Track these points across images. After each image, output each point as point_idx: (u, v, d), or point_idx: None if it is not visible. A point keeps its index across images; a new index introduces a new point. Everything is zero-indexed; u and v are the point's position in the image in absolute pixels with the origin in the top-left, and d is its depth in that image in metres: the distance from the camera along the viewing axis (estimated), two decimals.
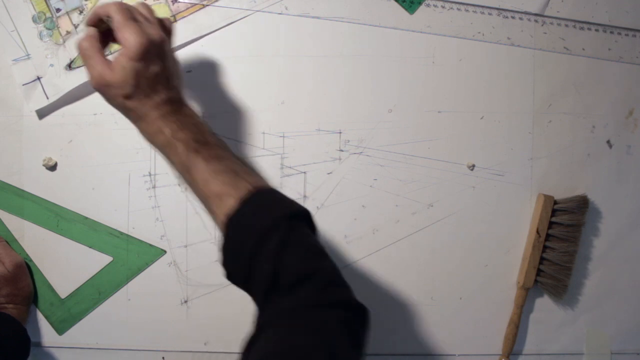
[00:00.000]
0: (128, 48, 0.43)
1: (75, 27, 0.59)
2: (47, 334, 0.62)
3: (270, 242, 0.40)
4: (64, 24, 0.60)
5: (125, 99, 0.46)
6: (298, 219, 0.42)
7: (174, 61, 0.48)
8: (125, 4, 0.45)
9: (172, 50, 0.48)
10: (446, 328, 0.62)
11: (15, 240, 0.61)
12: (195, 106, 0.61)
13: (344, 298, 0.39)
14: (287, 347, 0.35)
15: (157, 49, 0.45)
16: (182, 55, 0.61)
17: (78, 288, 0.61)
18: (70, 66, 0.59)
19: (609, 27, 0.61)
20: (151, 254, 0.61)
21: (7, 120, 0.61)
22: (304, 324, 0.37)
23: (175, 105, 0.46)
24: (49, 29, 0.59)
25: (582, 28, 0.61)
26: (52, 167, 0.61)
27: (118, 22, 0.44)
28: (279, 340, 0.36)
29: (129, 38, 0.43)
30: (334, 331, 0.36)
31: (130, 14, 0.45)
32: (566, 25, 0.61)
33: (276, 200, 0.44)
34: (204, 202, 0.45)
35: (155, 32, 0.45)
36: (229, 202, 0.42)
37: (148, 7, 0.47)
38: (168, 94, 0.46)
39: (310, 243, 0.41)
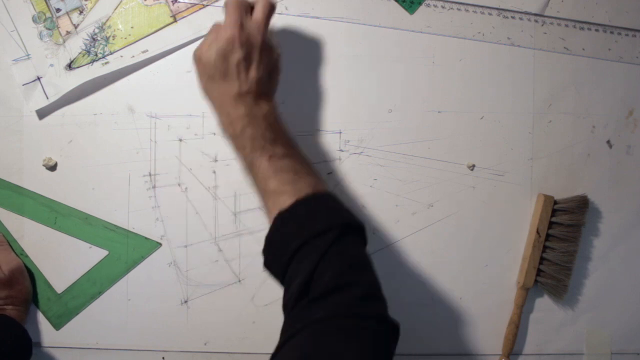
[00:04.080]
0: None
1: (75, 27, 0.59)
2: (46, 334, 0.62)
3: (315, 246, 0.40)
4: (64, 24, 0.60)
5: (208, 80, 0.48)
6: (350, 229, 0.42)
7: (267, 54, 0.49)
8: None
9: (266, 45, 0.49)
10: (446, 328, 0.62)
11: (15, 240, 0.61)
12: (195, 106, 0.61)
13: (379, 312, 0.40)
14: (323, 350, 0.35)
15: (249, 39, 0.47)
16: (182, 55, 0.61)
17: (74, 282, 0.61)
18: (70, 66, 0.59)
19: (609, 27, 0.61)
20: (147, 247, 0.61)
21: (7, 120, 0.61)
22: (340, 331, 0.37)
23: (250, 99, 0.47)
24: (49, 29, 0.59)
25: (582, 28, 0.61)
26: (52, 167, 0.61)
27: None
28: (315, 344, 0.36)
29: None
30: (367, 341, 0.37)
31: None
32: (566, 25, 0.61)
33: (331, 207, 0.44)
34: (262, 198, 0.46)
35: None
36: (284, 200, 0.43)
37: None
38: (244, 86, 0.47)
39: (355, 254, 0.42)
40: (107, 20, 0.59)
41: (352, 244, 0.42)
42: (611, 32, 0.61)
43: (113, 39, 0.59)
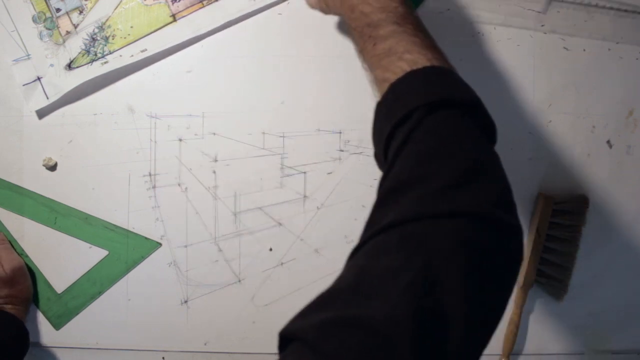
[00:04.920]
0: None
1: (75, 27, 0.59)
2: (46, 334, 0.62)
3: (397, 137, 0.34)
4: (64, 24, 0.60)
5: None
6: (446, 105, 0.35)
7: None
8: None
9: None
10: None
11: (15, 240, 0.61)
12: (195, 106, 0.61)
13: (470, 203, 0.30)
14: (371, 269, 0.29)
15: None
16: (182, 55, 0.61)
17: (74, 282, 0.61)
18: (70, 66, 0.59)
19: (609, 27, 0.61)
20: (147, 247, 0.61)
21: (7, 120, 0.61)
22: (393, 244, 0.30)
23: None
24: (49, 29, 0.59)
25: (582, 28, 0.61)
26: (52, 167, 0.61)
27: None
28: (365, 256, 0.31)
29: None
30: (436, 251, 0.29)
31: None
32: (566, 25, 0.61)
33: (426, 82, 0.36)
34: (375, 89, 0.41)
35: None
36: (384, 88, 0.38)
37: None
38: None
39: (440, 135, 0.33)
40: (106, 20, 0.59)
41: (440, 122, 0.34)
42: (611, 32, 0.61)
43: (112, 39, 0.59)
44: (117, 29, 0.59)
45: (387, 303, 0.27)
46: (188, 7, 0.60)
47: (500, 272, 0.30)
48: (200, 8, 0.60)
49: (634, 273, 0.63)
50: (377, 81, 0.40)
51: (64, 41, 0.59)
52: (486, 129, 0.37)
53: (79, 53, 0.59)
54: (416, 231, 0.30)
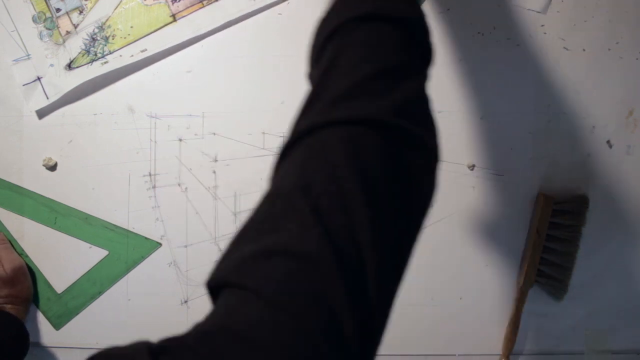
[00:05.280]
0: None
1: (75, 27, 0.59)
2: (47, 334, 0.62)
3: (326, 49, 0.33)
4: (64, 24, 0.60)
5: None
6: (378, 19, 0.33)
7: None
8: None
9: None
10: (446, 328, 0.62)
11: (15, 240, 0.61)
12: (195, 106, 0.61)
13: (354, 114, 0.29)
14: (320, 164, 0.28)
15: None
16: (182, 55, 0.61)
17: (74, 282, 0.61)
18: (70, 66, 0.59)
19: (609, 27, 0.61)
20: (147, 247, 0.61)
21: (7, 120, 0.61)
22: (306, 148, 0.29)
23: None
24: (49, 29, 0.59)
25: (582, 28, 0.61)
26: (52, 167, 0.61)
27: None
28: (275, 179, 0.31)
29: None
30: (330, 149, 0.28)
31: None
32: (566, 25, 0.61)
33: None
34: None
35: None
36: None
37: None
38: None
39: (366, 45, 0.32)
40: (106, 20, 0.59)
41: (366, 33, 0.32)
42: (611, 32, 0.61)
43: (112, 39, 0.59)
44: (117, 29, 0.59)
45: (299, 227, 0.26)
46: (188, 7, 0.60)
47: (398, 185, 0.29)
48: (200, 8, 0.60)
49: (634, 273, 0.63)
50: None
51: (64, 41, 0.59)
52: (419, 46, 0.35)
53: (79, 53, 0.59)
54: (315, 144, 0.29)
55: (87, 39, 0.59)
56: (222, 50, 0.61)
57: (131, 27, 0.59)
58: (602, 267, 0.63)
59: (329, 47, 0.33)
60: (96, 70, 0.59)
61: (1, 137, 0.61)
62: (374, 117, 0.29)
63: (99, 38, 0.59)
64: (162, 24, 0.59)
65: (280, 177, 0.30)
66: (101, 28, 0.59)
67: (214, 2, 0.60)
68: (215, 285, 0.28)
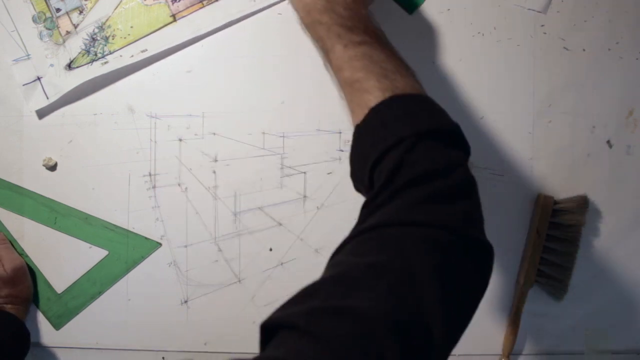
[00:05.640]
0: None
1: (75, 27, 0.59)
2: (47, 334, 0.62)
3: (389, 160, 0.36)
4: (64, 24, 0.60)
5: None
6: (432, 135, 0.37)
7: None
8: None
9: None
10: None
11: (15, 240, 0.61)
12: (195, 106, 0.61)
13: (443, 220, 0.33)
14: (352, 265, 0.32)
15: None
16: (182, 55, 0.61)
17: (74, 282, 0.61)
18: (70, 66, 0.59)
19: (609, 27, 0.61)
20: (147, 247, 0.61)
21: (7, 120, 0.61)
22: (378, 242, 0.33)
23: None
24: (49, 29, 0.59)
25: (582, 28, 0.61)
26: (52, 167, 0.61)
27: None
28: (348, 254, 0.34)
29: None
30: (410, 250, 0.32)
31: None
32: (566, 25, 0.61)
33: (409, 112, 0.38)
34: (341, 91, 0.43)
35: None
36: (360, 106, 0.39)
37: None
38: None
39: (433, 155, 0.36)
40: (106, 20, 0.59)
41: (428, 151, 0.36)
42: (611, 32, 0.61)
43: (112, 39, 0.59)
44: (117, 29, 0.59)
45: (372, 295, 0.29)
46: (188, 7, 0.60)
47: (471, 285, 0.34)
48: (201, 8, 0.60)
49: (633, 273, 0.63)
50: (350, 90, 0.41)
51: (64, 41, 0.60)
52: (465, 152, 0.40)
53: (79, 53, 0.59)
54: (396, 234, 0.33)
55: (87, 39, 0.59)
56: (222, 50, 0.61)
57: (131, 27, 0.59)
58: (602, 267, 0.63)
59: (390, 160, 0.36)
60: (96, 70, 0.59)
61: (1, 137, 0.61)
62: (451, 225, 0.33)
63: (99, 38, 0.59)
64: (162, 24, 0.59)
65: (352, 254, 0.34)
66: (101, 28, 0.59)
67: (214, 2, 0.60)
68: (275, 326, 0.30)
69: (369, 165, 0.38)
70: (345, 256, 0.34)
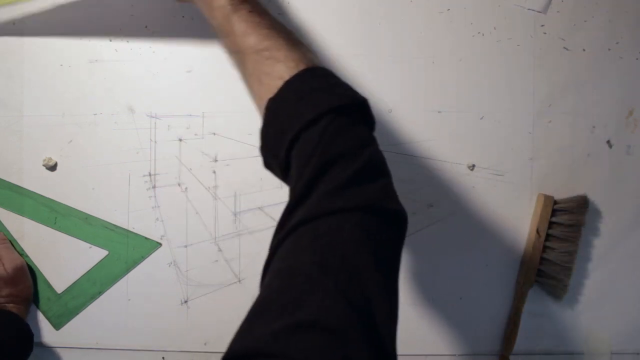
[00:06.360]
0: None
1: None
2: (47, 334, 0.62)
3: (306, 140, 0.37)
4: None
5: None
6: (346, 110, 0.38)
7: None
8: None
9: None
10: (446, 328, 0.62)
11: (15, 240, 0.61)
12: (195, 106, 0.61)
13: (363, 200, 0.34)
14: (288, 266, 0.33)
15: None
16: (182, 55, 0.61)
17: (74, 282, 0.61)
18: None
19: (609, 27, 0.61)
20: (147, 247, 0.61)
21: (7, 120, 0.61)
22: (313, 236, 0.33)
23: None
24: None
25: (582, 28, 0.61)
26: (52, 167, 0.61)
27: None
28: (285, 258, 0.34)
29: None
30: (347, 239, 0.33)
31: None
32: (566, 25, 0.61)
33: (322, 86, 0.39)
34: (241, 64, 0.43)
35: None
36: (271, 79, 0.39)
37: None
38: None
39: (345, 138, 0.37)
40: None
41: (342, 131, 0.37)
42: (611, 32, 0.61)
43: None
44: None
45: (324, 301, 0.29)
46: None
47: (398, 251, 0.36)
48: None
49: (633, 273, 0.63)
50: (257, 58, 0.41)
51: None
52: (371, 128, 0.41)
53: None
54: (325, 227, 0.33)
55: None
56: (222, 50, 0.61)
57: None
58: (602, 267, 0.63)
59: (308, 140, 0.37)
60: None
61: (1, 137, 0.61)
62: (369, 204, 0.34)
63: None
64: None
65: (289, 257, 0.33)
66: None
67: None
68: (243, 356, 0.29)
69: (287, 141, 0.38)
70: (284, 261, 0.34)
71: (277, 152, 0.39)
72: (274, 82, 0.39)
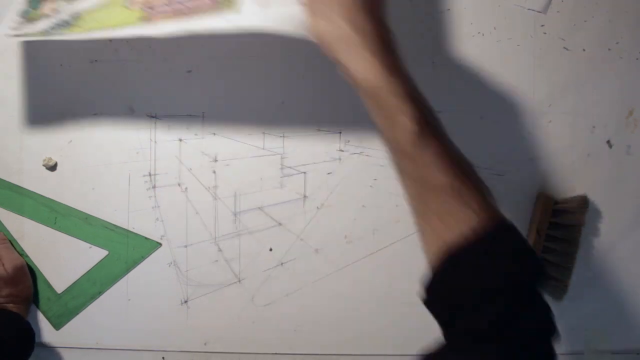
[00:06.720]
0: None
1: (55, 11, 0.54)
2: (47, 334, 0.62)
3: (490, 308, 0.35)
4: (47, 7, 0.54)
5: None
6: (529, 287, 0.36)
7: None
8: None
9: None
10: None
11: (15, 240, 0.61)
12: (195, 106, 0.61)
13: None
14: None
15: None
16: (182, 55, 0.61)
17: (74, 282, 0.61)
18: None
19: (609, 27, 0.61)
20: (147, 247, 0.61)
21: (7, 120, 0.61)
22: None
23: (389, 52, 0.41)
24: (32, 9, 0.55)
25: (582, 28, 0.61)
26: (52, 167, 0.61)
27: None
28: None
29: None
30: None
31: None
32: (566, 25, 0.61)
33: (511, 250, 0.37)
34: (415, 191, 0.40)
35: None
36: (452, 226, 0.37)
37: None
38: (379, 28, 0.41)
39: (528, 320, 0.36)
40: (82, 12, 0.53)
41: (526, 310, 0.36)
42: (611, 32, 0.61)
43: (70, 27, 0.53)
44: (83, 19, 0.53)
45: None
46: (160, 15, 0.50)
47: None
48: (171, 18, 0.50)
49: (633, 273, 0.63)
50: (439, 194, 0.38)
51: (35, 21, 0.54)
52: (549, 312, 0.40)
53: (38, 32, 0.54)
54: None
55: (54, 23, 0.53)
56: (222, 50, 0.61)
57: (96, 21, 0.52)
58: (602, 267, 0.63)
59: (484, 316, 0.36)
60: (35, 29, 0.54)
61: (1, 137, 0.61)
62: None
63: (62, 24, 0.54)
64: (125, 24, 0.51)
65: None
66: (73, 17, 0.53)
67: (186, 15, 0.50)
68: None
69: (469, 299, 0.36)
70: None
71: (447, 306, 0.38)
72: (460, 227, 0.37)
